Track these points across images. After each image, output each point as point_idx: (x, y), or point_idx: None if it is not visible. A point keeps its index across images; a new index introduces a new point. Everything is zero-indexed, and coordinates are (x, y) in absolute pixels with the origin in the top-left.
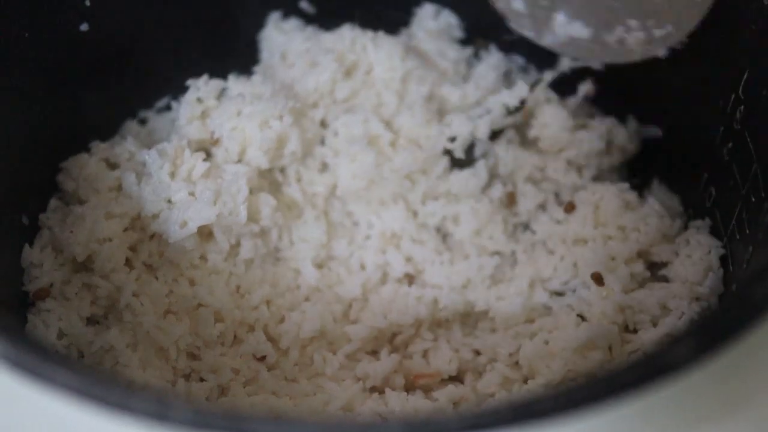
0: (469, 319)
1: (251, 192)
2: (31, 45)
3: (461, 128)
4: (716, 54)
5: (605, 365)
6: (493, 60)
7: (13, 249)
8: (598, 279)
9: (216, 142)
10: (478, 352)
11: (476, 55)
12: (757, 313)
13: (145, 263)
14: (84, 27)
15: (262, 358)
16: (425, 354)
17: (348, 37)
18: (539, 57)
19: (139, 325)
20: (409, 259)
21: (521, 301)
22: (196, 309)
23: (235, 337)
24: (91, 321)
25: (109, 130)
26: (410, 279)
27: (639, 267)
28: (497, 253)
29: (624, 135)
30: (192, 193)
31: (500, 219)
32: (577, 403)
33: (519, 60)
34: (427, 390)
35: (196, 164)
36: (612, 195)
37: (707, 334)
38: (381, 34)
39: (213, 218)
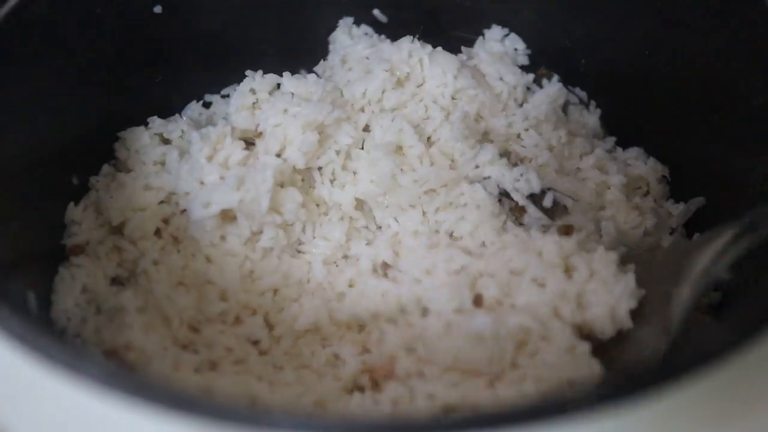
0: None
1: (282, 185)
2: (103, 22)
3: (493, 171)
4: None
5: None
6: (551, 90)
7: (59, 205)
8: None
9: (259, 134)
10: None
11: (538, 83)
12: None
13: (173, 236)
14: (158, 9)
15: (256, 342)
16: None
17: (406, 49)
18: (602, 91)
19: (151, 291)
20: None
21: None
22: (204, 285)
23: (237, 318)
24: (115, 281)
25: (172, 109)
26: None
27: None
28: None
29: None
30: (222, 178)
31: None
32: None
33: (581, 93)
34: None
35: (234, 152)
36: None
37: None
38: (439, 50)
39: (235, 203)
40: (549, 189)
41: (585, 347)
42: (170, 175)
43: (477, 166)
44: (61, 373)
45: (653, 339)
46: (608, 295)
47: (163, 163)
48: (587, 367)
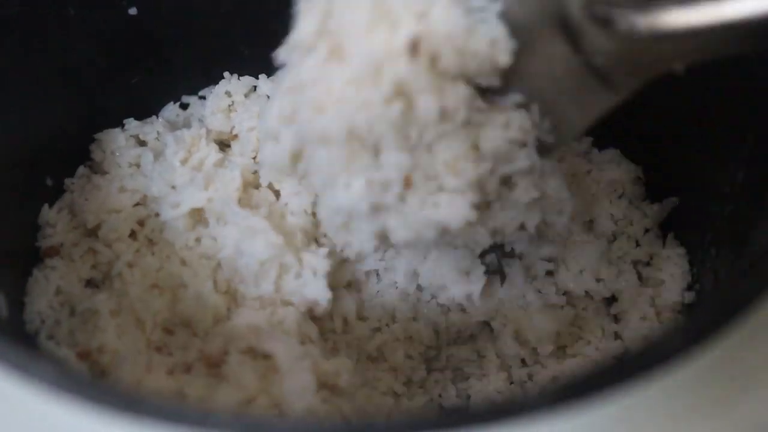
0: None
1: (257, 187)
2: (78, 23)
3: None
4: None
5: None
6: None
7: (33, 207)
8: None
9: (234, 137)
10: None
11: None
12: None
13: (148, 238)
14: (133, 11)
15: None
16: None
17: None
18: None
19: (126, 293)
20: None
21: None
22: (179, 288)
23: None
24: (90, 284)
25: (149, 110)
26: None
27: None
28: None
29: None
30: (192, 180)
31: None
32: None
33: None
34: None
35: (209, 154)
36: None
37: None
38: None
39: (203, 202)
40: None
41: None
42: (145, 178)
43: None
44: (15, 376)
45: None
46: None
47: (138, 165)
48: None
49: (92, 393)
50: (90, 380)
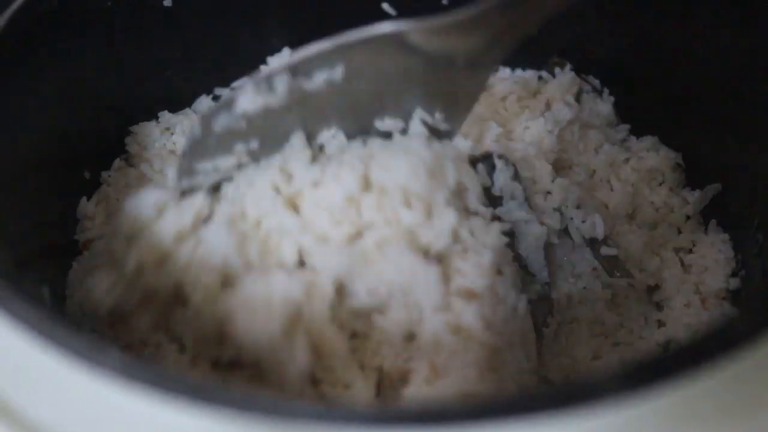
0: None
1: None
2: (113, 15)
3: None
4: None
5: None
6: (564, 79)
7: (72, 200)
8: None
9: None
10: None
11: (550, 72)
12: None
13: None
14: (168, 2)
15: None
16: None
17: None
18: (616, 78)
19: None
20: None
21: None
22: None
23: None
24: None
25: (183, 103)
26: None
27: None
28: None
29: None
30: None
31: None
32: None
33: (593, 81)
34: None
35: None
36: None
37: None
38: None
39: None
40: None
41: None
42: None
43: None
44: (81, 365)
45: None
46: None
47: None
48: None
49: (166, 382)
50: (160, 369)
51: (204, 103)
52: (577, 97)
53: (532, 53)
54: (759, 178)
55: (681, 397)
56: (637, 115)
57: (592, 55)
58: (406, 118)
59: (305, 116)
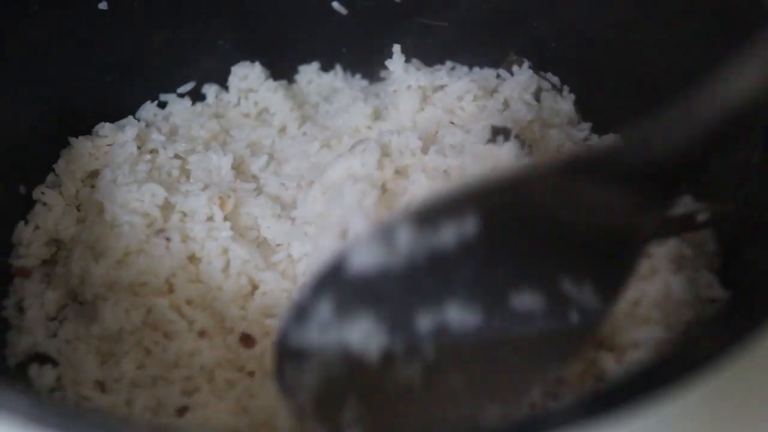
0: None
1: None
2: (44, 20)
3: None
4: None
5: None
6: (522, 77)
7: (6, 218)
8: None
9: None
10: None
11: (508, 70)
12: None
13: None
14: (103, 5)
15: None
16: None
17: None
18: (575, 75)
19: None
20: None
21: None
22: None
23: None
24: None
25: (125, 110)
26: None
27: None
28: None
29: None
30: None
31: None
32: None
33: (553, 78)
34: None
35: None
36: None
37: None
38: None
39: None
40: None
41: None
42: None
43: None
44: None
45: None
46: None
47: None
48: None
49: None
50: (66, 410)
51: (149, 109)
52: (537, 96)
53: (489, 50)
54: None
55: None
56: (598, 113)
57: (551, 52)
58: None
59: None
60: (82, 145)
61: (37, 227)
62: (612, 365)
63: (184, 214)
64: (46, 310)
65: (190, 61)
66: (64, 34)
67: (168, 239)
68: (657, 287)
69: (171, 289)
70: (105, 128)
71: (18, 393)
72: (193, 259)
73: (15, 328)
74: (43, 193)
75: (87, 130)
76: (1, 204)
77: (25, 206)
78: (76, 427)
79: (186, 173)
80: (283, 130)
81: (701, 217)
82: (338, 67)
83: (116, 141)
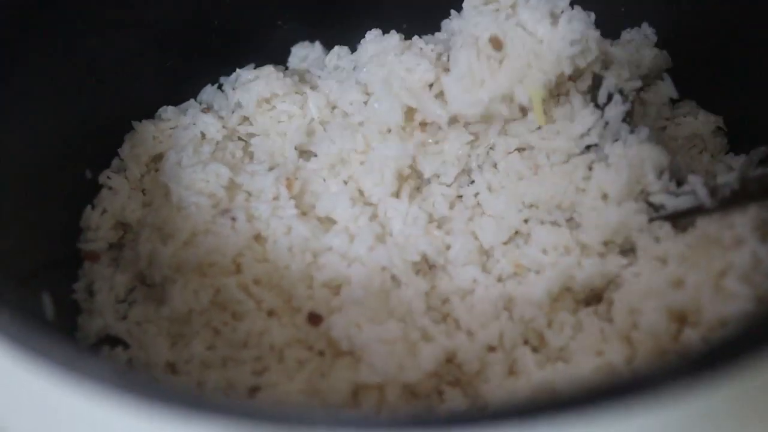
0: None
1: None
2: (107, 5)
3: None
4: None
5: None
6: None
7: (74, 204)
8: None
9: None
10: None
11: None
12: None
13: None
14: None
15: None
16: None
17: None
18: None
19: None
20: None
21: None
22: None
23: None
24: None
25: (186, 94)
26: None
27: None
28: None
29: None
30: None
31: None
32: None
33: None
34: None
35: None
36: None
37: None
38: None
39: None
40: None
41: None
42: None
43: None
44: (61, 376)
45: None
46: None
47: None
48: None
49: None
50: (150, 380)
51: (209, 93)
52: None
53: None
54: None
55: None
56: (673, 80)
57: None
58: None
59: None
60: (145, 129)
61: (104, 211)
62: (697, 343)
63: (249, 194)
64: (115, 293)
65: (250, 42)
66: (128, 20)
67: (234, 219)
68: (743, 258)
69: (238, 269)
70: (168, 111)
71: (104, 362)
72: (258, 238)
73: (86, 311)
74: (108, 177)
75: (150, 114)
76: (68, 190)
77: (91, 191)
78: (165, 397)
79: (249, 155)
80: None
81: None
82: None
83: (179, 124)
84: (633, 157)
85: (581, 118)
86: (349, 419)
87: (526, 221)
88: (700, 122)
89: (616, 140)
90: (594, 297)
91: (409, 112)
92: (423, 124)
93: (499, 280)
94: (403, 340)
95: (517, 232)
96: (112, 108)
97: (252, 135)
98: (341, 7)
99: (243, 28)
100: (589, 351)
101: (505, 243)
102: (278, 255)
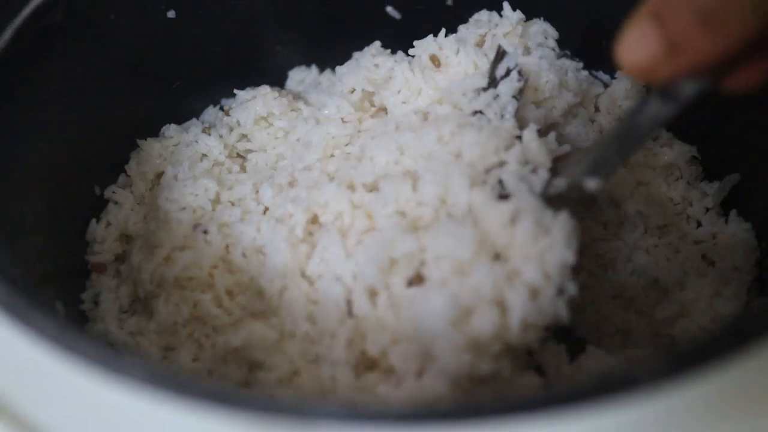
0: None
1: None
2: (116, 28)
3: None
4: None
5: None
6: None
7: (83, 218)
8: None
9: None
10: None
11: None
12: None
13: None
14: (171, 14)
15: None
16: None
17: None
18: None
19: None
20: None
21: None
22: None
23: None
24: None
25: (190, 114)
26: None
27: None
28: None
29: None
30: None
31: None
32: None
33: (604, 77)
34: None
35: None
36: None
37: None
38: None
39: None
40: None
41: None
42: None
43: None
44: (99, 373)
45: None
46: None
47: None
48: None
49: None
50: (179, 375)
51: (211, 113)
52: None
53: None
54: None
55: (715, 387)
56: None
57: (602, 50)
58: None
59: None
60: (150, 146)
61: (108, 224)
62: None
63: (232, 204)
64: (120, 304)
65: (250, 67)
66: (137, 42)
67: (206, 232)
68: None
69: (212, 282)
70: (170, 129)
71: (136, 358)
72: (228, 248)
73: (92, 321)
74: (114, 192)
75: (154, 132)
76: (78, 204)
77: (100, 206)
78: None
79: (244, 169)
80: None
81: None
82: None
83: (182, 141)
84: (502, 130)
85: (473, 77)
86: (351, 413)
87: None
88: (675, 152)
89: (503, 116)
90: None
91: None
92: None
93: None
94: None
95: None
96: (121, 127)
97: (249, 151)
98: (338, 31)
99: (243, 55)
100: None
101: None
102: (248, 263)
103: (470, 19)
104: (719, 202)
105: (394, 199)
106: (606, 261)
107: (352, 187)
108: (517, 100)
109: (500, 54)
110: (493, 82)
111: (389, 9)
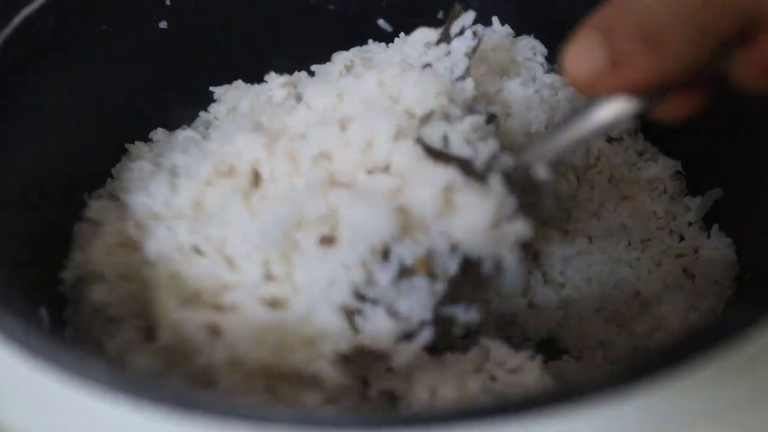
0: None
1: None
2: (108, 38)
3: None
4: None
5: None
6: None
7: (70, 223)
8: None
9: None
10: None
11: None
12: None
13: None
14: (163, 24)
15: None
16: None
17: None
18: None
19: None
20: None
21: None
22: None
23: None
24: None
25: (180, 124)
26: None
27: None
28: None
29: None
30: None
31: None
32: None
33: None
34: None
35: None
36: None
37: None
38: None
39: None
40: None
41: None
42: None
43: None
44: (68, 377)
45: None
46: None
47: None
48: None
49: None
50: (144, 379)
51: (203, 119)
52: None
53: None
54: (759, 179)
55: (668, 394)
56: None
57: None
58: None
59: None
60: (138, 150)
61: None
62: None
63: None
64: None
65: (241, 76)
66: (128, 52)
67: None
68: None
69: None
70: (158, 133)
71: (101, 360)
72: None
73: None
74: (100, 195)
75: (143, 137)
76: (64, 209)
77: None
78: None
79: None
80: None
81: None
82: None
83: (169, 143)
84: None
85: (424, 31)
86: (312, 418)
87: None
88: (660, 166)
89: (453, 72)
90: None
91: None
92: None
93: None
94: None
95: None
96: (111, 134)
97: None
98: (330, 45)
99: (234, 66)
100: None
101: None
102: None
103: None
104: (701, 217)
105: (319, 140)
106: (591, 274)
107: (275, 136)
108: (469, 58)
109: (457, 11)
110: (446, 39)
111: (381, 22)
